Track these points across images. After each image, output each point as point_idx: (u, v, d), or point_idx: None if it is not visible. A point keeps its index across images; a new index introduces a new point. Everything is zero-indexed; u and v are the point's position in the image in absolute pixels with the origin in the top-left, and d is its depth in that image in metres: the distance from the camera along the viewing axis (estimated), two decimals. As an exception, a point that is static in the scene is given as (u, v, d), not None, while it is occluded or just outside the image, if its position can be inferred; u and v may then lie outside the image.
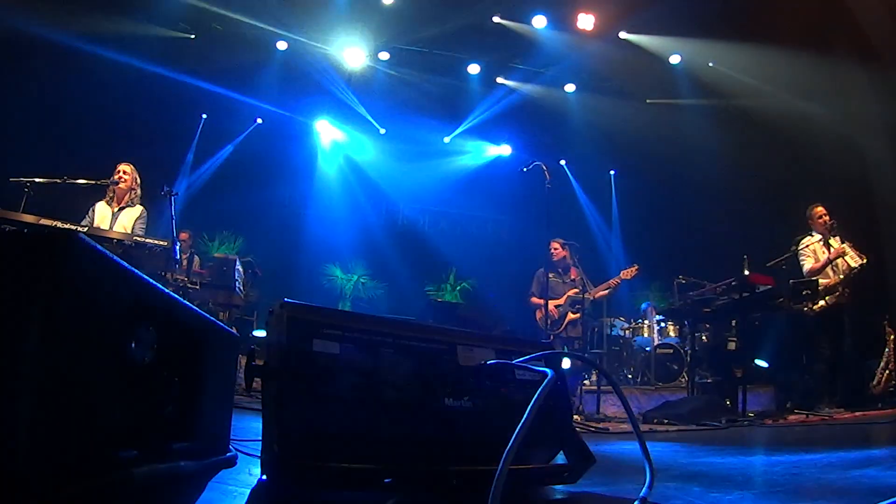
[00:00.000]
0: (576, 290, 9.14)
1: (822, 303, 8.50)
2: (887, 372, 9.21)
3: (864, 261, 8.58)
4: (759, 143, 13.93)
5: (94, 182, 6.75)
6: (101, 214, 6.97)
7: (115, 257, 1.49)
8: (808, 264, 8.76)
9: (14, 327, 1.16)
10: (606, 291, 9.77)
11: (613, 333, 13.00)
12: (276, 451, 1.74)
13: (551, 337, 9.02)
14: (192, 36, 13.63)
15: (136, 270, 1.64)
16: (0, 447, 1.14)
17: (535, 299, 9.54)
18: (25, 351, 1.16)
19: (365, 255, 16.63)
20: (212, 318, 2.15)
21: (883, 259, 9.74)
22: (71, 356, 1.27)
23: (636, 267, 9.68)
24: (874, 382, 9.18)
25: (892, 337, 9.43)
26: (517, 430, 1.66)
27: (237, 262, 9.33)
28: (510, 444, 1.60)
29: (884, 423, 6.98)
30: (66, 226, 5.72)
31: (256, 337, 11.17)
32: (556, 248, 9.59)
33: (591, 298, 9.65)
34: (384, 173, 17.57)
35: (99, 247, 1.39)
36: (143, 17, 13.13)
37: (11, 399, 1.14)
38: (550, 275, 9.40)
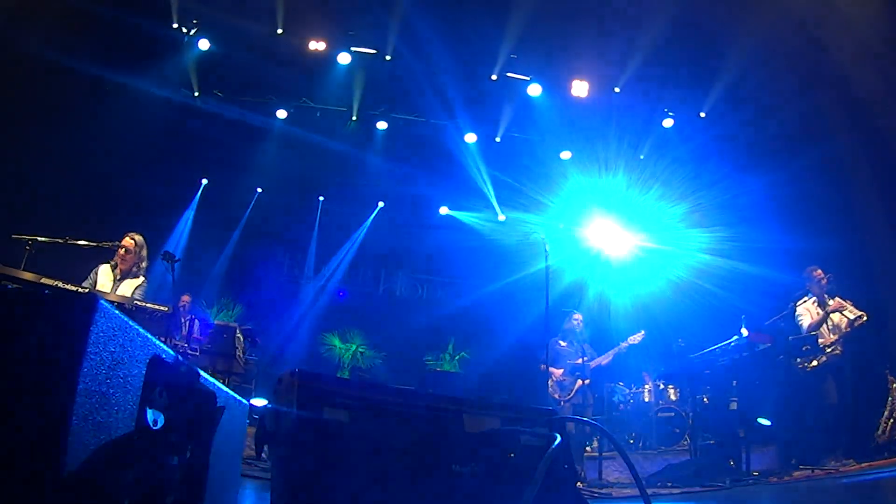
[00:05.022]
0: (584, 359, 9.10)
1: (822, 358, 8.50)
2: (892, 420, 9.13)
3: (864, 316, 8.59)
4: (754, 202, 14.08)
5: (95, 244, 6.69)
6: (104, 278, 6.93)
7: (133, 322, 1.53)
8: (806, 322, 8.79)
9: (34, 387, 1.19)
10: (609, 357, 9.71)
11: (614, 399, 12.96)
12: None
13: (562, 403, 9.00)
14: (196, 94, 13.81)
15: (152, 336, 1.67)
16: None
17: (543, 367, 9.43)
18: (44, 410, 1.19)
19: (363, 325, 16.59)
20: (221, 385, 2.18)
21: (883, 308, 9.73)
22: (88, 417, 1.29)
23: (642, 333, 9.68)
24: (879, 432, 9.09)
25: (895, 385, 9.38)
26: (526, 494, 1.67)
27: (237, 330, 9.32)
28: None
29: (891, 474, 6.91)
30: (68, 286, 5.66)
31: (255, 406, 11.09)
32: (577, 320, 9.62)
33: (600, 364, 9.60)
34: (382, 243, 17.66)
35: (118, 311, 1.43)
36: (147, 78, 13.39)
37: (29, 457, 1.16)
38: (563, 343, 9.45)
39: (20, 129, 11.17)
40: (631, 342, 9.62)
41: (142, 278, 7.13)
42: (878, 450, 8.82)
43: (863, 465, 7.74)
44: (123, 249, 7.01)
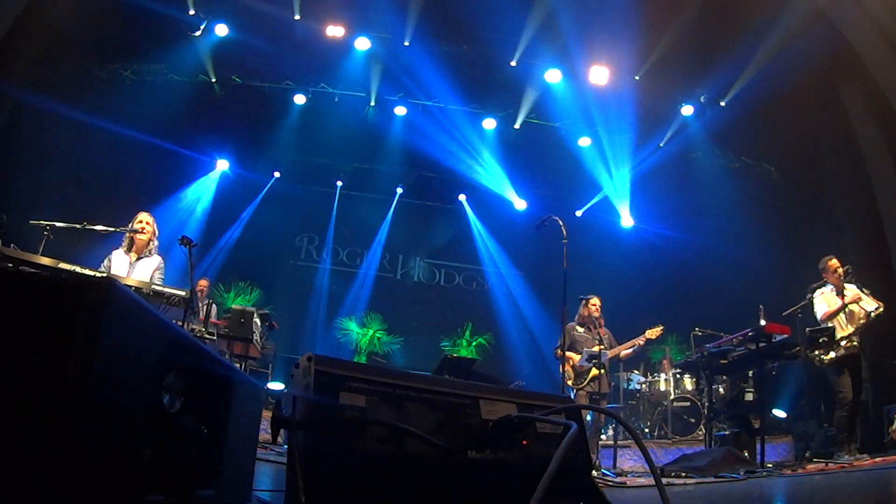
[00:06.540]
0: (601, 347, 9.00)
1: (840, 351, 8.43)
2: (906, 416, 9.08)
3: (881, 307, 8.53)
4: (775, 192, 14.00)
5: (112, 229, 6.72)
6: (119, 263, 6.95)
7: (149, 305, 1.53)
8: (821, 310, 8.73)
9: (50, 370, 1.20)
10: (630, 350, 9.59)
11: (630, 388, 12.92)
12: (302, 501, 1.75)
13: (576, 391, 8.95)
14: (214, 80, 13.87)
15: (168, 319, 1.68)
16: (35, 486, 1.16)
17: (559, 353, 9.28)
18: (60, 393, 1.19)
19: (380, 310, 16.60)
20: (237, 369, 2.18)
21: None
22: (105, 400, 1.30)
23: (661, 327, 9.57)
24: (893, 427, 9.03)
25: (910, 381, 9.33)
26: (543, 481, 1.67)
27: (255, 315, 9.34)
28: (536, 496, 1.61)
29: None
30: (86, 271, 5.70)
31: (272, 390, 11.14)
32: (595, 305, 9.52)
33: (617, 356, 9.53)
34: (400, 229, 17.71)
35: (134, 294, 1.43)
36: (165, 64, 13.42)
37: (45, 439, 1.17)
38: (580, 329, 9.39)
39: (37, 113, 11.23)
40: (649, 337, 9.52)
41: (158, 258, 7.17)
42: (893, 444, 8.77)
43: (876, 459, 7.68)
44: (143, 224, 7.04)
